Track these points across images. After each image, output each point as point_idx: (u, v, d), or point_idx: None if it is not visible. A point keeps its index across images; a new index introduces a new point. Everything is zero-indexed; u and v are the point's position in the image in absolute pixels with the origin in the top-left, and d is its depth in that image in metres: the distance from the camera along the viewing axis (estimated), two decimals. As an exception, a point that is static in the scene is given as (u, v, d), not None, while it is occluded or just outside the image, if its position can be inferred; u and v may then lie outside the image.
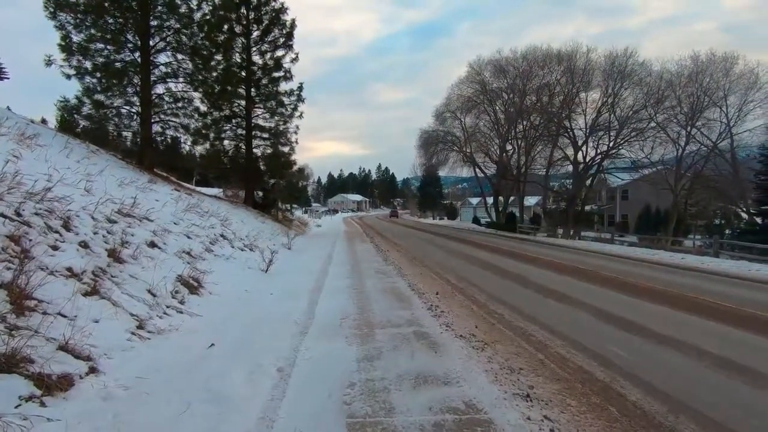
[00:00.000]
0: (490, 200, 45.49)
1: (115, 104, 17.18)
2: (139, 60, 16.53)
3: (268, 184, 23.03)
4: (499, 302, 6.77)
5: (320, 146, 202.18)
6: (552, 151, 33.41)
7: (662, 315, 5.99)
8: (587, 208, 36.86)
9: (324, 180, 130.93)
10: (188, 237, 8.19)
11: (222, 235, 9.89)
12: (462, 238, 22.68)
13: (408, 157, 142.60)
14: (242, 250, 9.94)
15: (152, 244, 6.62)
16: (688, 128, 24.58)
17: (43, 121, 18.65)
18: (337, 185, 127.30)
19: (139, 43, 16.44)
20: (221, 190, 26.41)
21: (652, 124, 25.81)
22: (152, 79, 17.26)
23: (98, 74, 15.97)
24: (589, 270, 10.37)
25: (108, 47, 16.05)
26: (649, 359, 4.26)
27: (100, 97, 16.47)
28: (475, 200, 72.96)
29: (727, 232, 35.63)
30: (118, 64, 16.22)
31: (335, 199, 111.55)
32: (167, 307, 5.15)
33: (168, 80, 17.91)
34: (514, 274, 9.62)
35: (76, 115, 16.01)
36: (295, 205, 52.96)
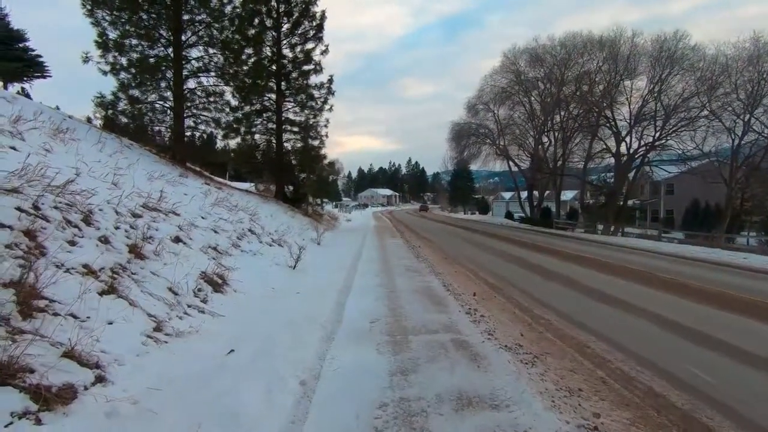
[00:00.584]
0: (523, 194, 44.04)
1: (149, 99, 17.45)
2: (171, 55, 16.68)
3: (299, 178, 22.90)
4: (544, 306, 6.16)
5: (350, 141, 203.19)
6: (591, 143, 31.76)
7: (745, 328, 5.22)
8: (629, 202, 34.92)
9: (354, 174, 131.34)
10: (215, 232, 7.98)
11: (250, 230, 9.67)
12: (496, 233, 21.84)
13: (438, 151, 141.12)
14: (270, 245, 9.69)
15: (177, 239, 6.40)
16: (746, 116, 22.58)
17: (89, 120, 19.15)
18: (367, 180, 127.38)
19: (171, 38, 16.58)
20: (253, 184, 26.61)
21: (704, 113, 23.92)
22: (184, 73, 17.35)
23: (133, 70, 16.16)
24: (641, 270, 9.50)
25: (142, 43, 16.25)
26: (743, 386, 3.58)
27: (135, 92, 16.73)
28: (507, 195, 71.10)
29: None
30: (152, 60, 16.37)
31: (365, 194, 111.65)
32: (188, 306, 4.87)
33: (200, 75, 17.97)
34: (557, 274, 8.90)
35: (110, 111, 16.28)
36: (325, 200, 53.23)
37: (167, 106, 17.48)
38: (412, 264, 9.89)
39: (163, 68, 16.89)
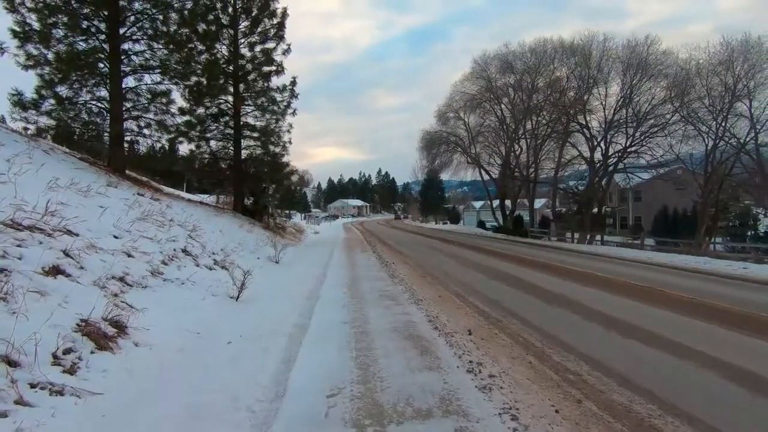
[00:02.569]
0: (495, 203, 43.42)
1: (82, 99, 15.21)
2: (107, 48, 14.57)
3: (259, 188, 20.90)
4: (565, 348, 4.63)
5: (320, 152, 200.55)
6: (561, 150, 31.32)
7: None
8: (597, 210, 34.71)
9: (324, 185, 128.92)
10: (128, 255, 6.07)
11: (184, 250, 7.77)
12: (472, 244, 20.53)
13: (408, 161, 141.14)
14: (210, 268, 7.81)
15: (54, 271, 4.50)
16: (719, 121, 22.43)
17: (2, 120, 16.57)
18: (337, 190, 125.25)
19: (107, 29, 14.49)
20: (215, 196, 24.31)
21: (676, 118, 23.70)
22: (125, 70, 15.26)
23: (62, 65, 13.90)
24: (648, 288, 8.22)
25: (71, 34, 14.08)
26: None
27: (64, 90, 14.49)
28: (478, 203, 70.95)
29: (749, 234, 33.47)
30: (83, 53, 14.19)
31: (335, 205, 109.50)
32: (33, 386, 3.03)
33: (142, 72, 15.87)
34: (559, 296, 7.47)
35: (32, 111, 13.91)
36: (293, 211, 50.88)
37: (103, 107, 15.30)
38: (387, 287, 8.23)
39: (99, 64, 14.75)
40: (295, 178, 30.61)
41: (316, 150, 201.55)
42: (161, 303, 5.32)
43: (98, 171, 12.39)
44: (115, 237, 6.46)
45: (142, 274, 5.76)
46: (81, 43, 14.55)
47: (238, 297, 6.60)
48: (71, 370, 3.40)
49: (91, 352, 3.71)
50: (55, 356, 3.41)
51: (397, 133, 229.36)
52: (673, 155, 25.63)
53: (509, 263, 12.51)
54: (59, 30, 13.93)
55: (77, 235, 5.72)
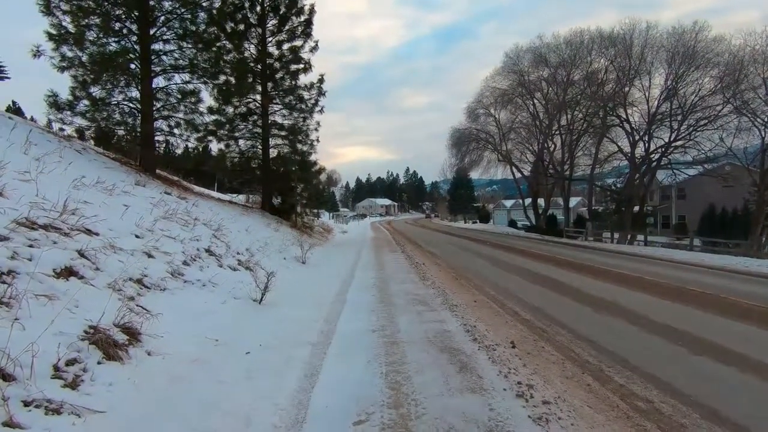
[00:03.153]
0: (526, 202, 42.08)
1: (115, 100, 15.44)
2: (138, 49, 14.72)
3: (287, 187, 20.77)
4: (626, 366, 4.00)
5: (347, 152, 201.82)
6: (599, 145, 29.83)
7: None
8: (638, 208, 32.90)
9: (352, 185, 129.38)
10: (149, 255, 5.83)
11: (208, 250, 7.52)
12: (505, 244, 19.70)
13: (435, 161, 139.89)
14: (234, 269, 7.53)
15: (67, 272, 4.25)
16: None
17: (48, 124, 17.05)
18: (365, 190, 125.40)
19: (138, 30, 14.63)
20: (245, 196, 24.43)
21: (727, 110, 22.00)
22: (155, 70, 15.39)
23: (93, 66, 14.11)
24: (712, 295, 7.37)
25: (103, 36, 14.28)
26: None
27: (97, 91, 14.73)
28: (509, 202, 69.29)
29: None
30: (115, 54, 14.35)
31: (363, 204, 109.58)
32: (27, 404, 2.71)
33: (172, 72, 15.96)
34: (609, 304, 6.75)
35: (68, 112, 14.19)
36: (321, 210, 51.07)
37: (134, 107, 15.49)
38: (418, 290, 7.72)
39: (130, 65, 14.93)
40: (323, 177, 30.51)
41: (343, 150, 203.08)
42: (179, 307, 5.02)
43: (129, 170, 12.45)
44: (137, 236, 6.24)
45: (161, 275, 5.48)
46: (113, 44, 14.76)
47: (261, 300, 6.26)
48: (73, 384, 3.07)
49: (98, 363, 3.39)
50: (56, 368, 3.09)
51: (424, 133, 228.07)
52: (723, 149, 23.90)
53: (547, 265, 11.74)
54: (92, 32, 14.16)
55: (96, 234, 5.51)
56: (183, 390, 3.32)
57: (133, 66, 14.86)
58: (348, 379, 3.58)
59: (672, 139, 25.04)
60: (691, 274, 10.22)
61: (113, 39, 14.72)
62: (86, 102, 14.56)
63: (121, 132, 15.71)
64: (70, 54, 13.88)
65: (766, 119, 21.03)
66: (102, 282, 4.51)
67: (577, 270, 10.69)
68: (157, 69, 15.43)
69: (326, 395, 3.27)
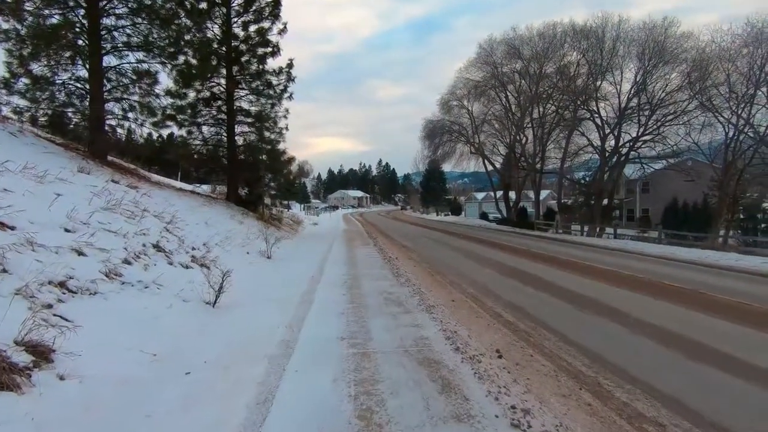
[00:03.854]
0: (498, 194, 42.32)
1: (59, 80, 14.02)
2: (85, 23, 13.39)
3: (254, 177, 19.74)
4: (624, 377, 3.57)
5: (320, 142, 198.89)
6: (569, 139, 30.09)
7: None
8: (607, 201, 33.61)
9: (324, 176, 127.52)
10: (79, 253, 4.99)
11: (156, 245, 6.67)
12: (479, 237, 19.45)
13: (408, 153, 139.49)
14: (187, 267, 6.72)
15: (-43, 277, 3.42)
16: (740, 109, 21.13)
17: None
18: (337, 181, 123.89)
19: (85, 2, 13.29)
20: (211, 186, 23.12)
21: (693, 105, 22.43)
22: (106, 47, 14.06)
23: (34, 40, 12.70)
24: (691, 291, 7.16)
25: (43, 7, 12.86)
26: None
27: (38, 68, 13.31)
28: (480, 195, 69.89)
29: (761, 226, 32.33)
30: (58, 27, 12.96)
31: (335, 195, 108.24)
32: None
33: (126, 50, 14.66)
34: (591, 301, 6.40)
35: (3, 91, 12.74)
36: (292, 202, 49.70)
37: (82, 87, 14.14)
38: (392, 288, 7.15)
39: (77, 39, 13.58)
40: (294, 167, 29.46)
41: (316, 140, 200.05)
42: (112, 314, 4.25)
43: (74, 157, 11.26)
44: (67, 230, 5.37)
45: (92, 276, 4.67)
46: (56, 16, 13.35)
47: (215, 303, 5.53)
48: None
49: (-18, 397, 2.64)
50: None
51: (397, 125, 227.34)
52: (688, 144, 24.48)
53: (522, 258, 11.44)
54: (31, 1, 12.73)
55: (12, 228, 4.64)
56: (96, 429, 2.62)
57: (81, 42, 13.55)
58: (309, 406, 2.96)
59: (640, 133, 25.44)
60: (663, 267, 10.11)
61: (56, 11, 13.31)
62: (25, 80, 13.16)
63: (69, 115, 14.34)
64: (5, 25, 12.46)
65: (729, 116, 21.54)
66: (8, 287, 3.69)
67: (551, 264, 10.41)
68: (108, 46, 14.14)
69: (281, 430, 2.63)
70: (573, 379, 3.56)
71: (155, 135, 18.60)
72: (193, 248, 7.77)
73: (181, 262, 6.75)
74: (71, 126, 15.46)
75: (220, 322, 4.92)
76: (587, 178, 31.71)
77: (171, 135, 19.30)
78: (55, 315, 3.77)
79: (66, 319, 3.81)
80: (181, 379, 3.35)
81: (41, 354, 3.23)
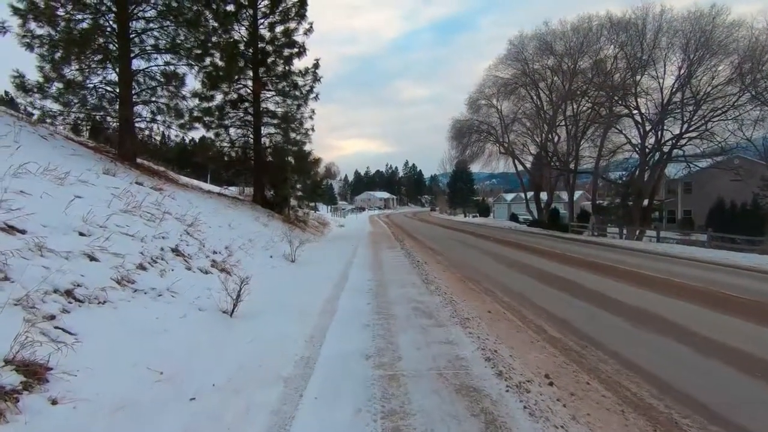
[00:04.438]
0: (528, 195, 40.99)
1: (92, 83, 14.26)
2: (115, 27, 13.54)
3: (280, 178, 19.62)
4: (709, 416, 2.93)
5: (346, 144, 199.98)
6: (604, 137, 28.68)
7: None
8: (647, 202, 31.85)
9: (351, 178, 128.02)
10: (91, 258, 4.72)
11: (175, 249, 6.41)
12: (510, 240, 18.63)
13: (434, 154, 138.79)
14: (206, 272, 6.43)
15: (-50, 287, 3.15)
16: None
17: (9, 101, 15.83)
18: (363, 182, 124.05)
19: (115, 7, 13.43)
20: (240, 188, 23.24)
21: (744, 98, 20.81)
22: (135, 51, 14.20)
23: (66, 45, 12.89)
24: None
25: (75, 12, 13.05)
26: None
27: (71, 72, 13.54)
28: (509, 196, 68.19)
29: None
30: (88, 32, 13.12)
31: (362, 197, 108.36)
32: None
33: (154, 53, 14.74)
34: (647, 315, 5.68)
35: (37, 95, 12.99)
36: (319, 203, 49.83)
37: (112, 90, 14.31)
38: (422, 297, 6.64)
39: (110, 46, 13.78)
40: (321, 169, 29.32)
41: (342, 142, 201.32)
42: (120, 326, 3.93)
43: (103, 159, 11.28)
44: (81, 234, 5.13)
45: (102, 284, 4.38)
46: (88, 20, 13.53)
47: (232, 312, 5.17)
48: None
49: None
50: None
51: (423, 125, 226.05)
52: (737, 141, 22.78)
53: (559, 264, 10.67)
54: (64, 7, 12.95)
55: (22, 232, 4.41)
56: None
57: (111, 47, 13.71)
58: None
59: (684, 130, 23.91)
60: (725, 276, 9.16)
61: (87, 15, 13.49)
62: (58, 84, 13.40)
63: (98, 118, 14.55)
64: (39, 31, 12.71)
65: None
66: (7, 297, 3.41)
67: (593, 270, 9.62)
68: (136, 50, 14.25)
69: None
70: (643, 417, 2.96)
71: (184, 137, 18.70)
72: (215, 252, 7.50)
73: (200, 267, 6.46)
74: (104, 129, 15.74)
75: (236, 334, 4.54)
76: (624, 178, 30.19)
77: (202, 138, 19.35)
78: (56, 327, 3.47)
79: (69, 332, 3.50)
80: (185, 406, 2.95)
81: (34, 374, 2.90)
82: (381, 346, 4.28)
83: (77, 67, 13.47)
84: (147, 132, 16.99)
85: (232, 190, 22.58)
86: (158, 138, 19.18)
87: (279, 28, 19.22)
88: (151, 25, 14.36)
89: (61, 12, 12.83)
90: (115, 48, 13.58)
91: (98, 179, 8.01)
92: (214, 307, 5.18)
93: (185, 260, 6.33)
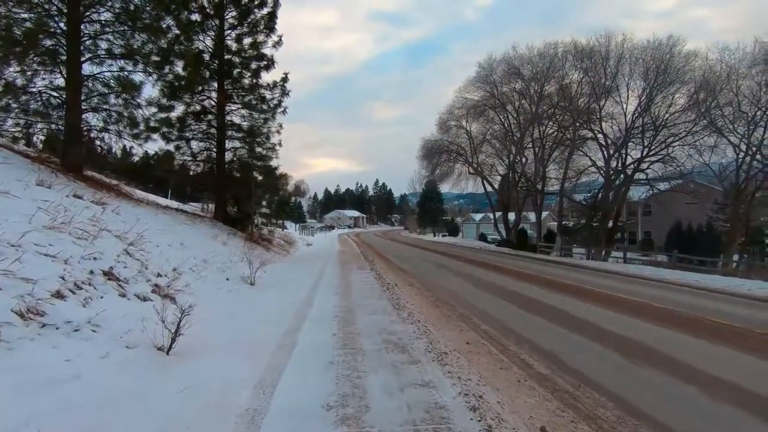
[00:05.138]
0: (497, 215, 41.36)
1: (37, 87, 13.10)
2: (63, 27, 12.56)
3: (243, 193, 18.66)
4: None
5: (317, 163, 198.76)
6: (568, 159, 29.38)
7: None
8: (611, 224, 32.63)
9: (320, 196, 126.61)
10: (-11, 286, 3.82)
11: (108, 272, 5.49)
12: (481, 261, 18.32)
13: (405, 173, 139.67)
14: (144, 299, 5.54)
15: None
16: (749, 130, 20.47)
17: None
18: (333, 201, 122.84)
19: (65, 8, 12.50)
20: (202, 204, 21.90)
21: (700, 126, 21.74)
22: (87, 55, 13.20)
23: (5, 44, 11.77)
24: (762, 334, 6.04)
25: (20, 8, 12.01)
26: None
27: (9, 74, 12.41)
28: (478, 216, 68.96)
29: (768, 250, 31.40)
30: (31, 31, 12.06)
31: (331, 215, 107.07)
32: None
33: (108, 58, 13.73)
34: (640, 347, 5.25)
35: (-30, 98, 11.74)
36: (286, 221, 48.48)
37: (58, 96, 13.19)
38: (393, 326, 5.97)
39: (55, 46, 12.75)
40: (291, 186, 28.47)
41: (313, 160, 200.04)
42: (9, 374, 3.07)
43: (42, 170, 10.13)
44: (-17, 256, 4.22)
45: (-3, 318, 3.50)
46: (34, 20, 12.47)
47: (169, 349, 4.33)
48: None
49: None
50: None
51: (394, 145, 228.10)
52: (695, 165, 23.75)
53: (537, 287, 10.29)
54: (8, 3, 11.89)
55: None
56: None
57: (60, 49, 12.68)
58: None
59: (644, 154, 24.73)
60: (701, 299, 9.00)
61: (33, 14, 12.45)
62: (-1, 87, 12.21)
63: (40, 125, 13.34)
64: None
65: (740, 136, 20.86)
66: None
67: (570, 293, 9.27)
68: (88, 55, 13.24)
69: None
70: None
71: (140, 149, 17.54)
72: (159, 275, 6.59)
73: (138, 293, 5.56)
74: (49, 138, 14.50)
75: (168, 379, 3.72)
76: (588, 200, 30.89)
77: (167, 152, 18.14)
78: None
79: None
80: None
81: None
82: (346, 392, 3.58)
83: (18, 68, 12.37)
84: (98, 142, 15.80)
85: (194, 207, 21.36)
86: (119, 151, 17.93)
87: (247, 40, 18.58)
88: (106, 28, 13.44)
89: (1, 10, 11.78)
90: (63, 50, 12.56)
91: (26, 191, 7.02)
92: (148, 343, 4.32)
93: (119, 285, 5.43)
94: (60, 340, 3.76)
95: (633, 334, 5.77)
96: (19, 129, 13.64)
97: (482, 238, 49.63)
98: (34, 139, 16.86)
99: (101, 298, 4.90)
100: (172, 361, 4.19)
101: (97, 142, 15.29)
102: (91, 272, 5.26)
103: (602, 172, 25.96)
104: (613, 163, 25.29)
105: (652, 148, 24.42)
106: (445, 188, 53.95)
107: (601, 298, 8.75)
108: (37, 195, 7.08)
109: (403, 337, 5.34)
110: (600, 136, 25.41)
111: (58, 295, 4.39)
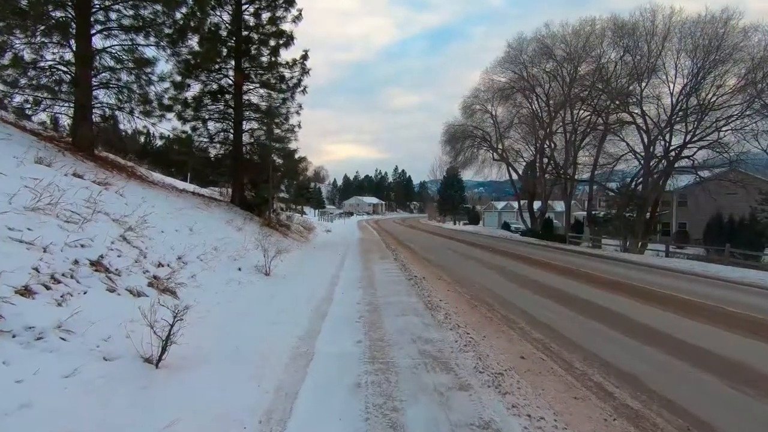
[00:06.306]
0: (521, 203, 39.79)
1: (46, 62, 12.46)
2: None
3: (261, 177, 17.90)
4: None
5: (336, 149, 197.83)
6: (600, 144, 27.65)
7: None
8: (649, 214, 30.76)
9: (339, 182, 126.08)
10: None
11: (96, 262, 4.69)
12: (510, 251, 17.18)
13: (423, 161, 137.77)
14: (138, 294, 4.72)
15: None
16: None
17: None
18: (352, 187, 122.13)
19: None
20: (221, 188, 21.31)
21: (756, 106, 19.80)
22: (97, 28, 12.47)
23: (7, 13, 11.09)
24: None
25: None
26: None
27: (22, 49, 11.79)
28: (500, 204, 67.17)
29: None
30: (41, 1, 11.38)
31: (350, 202, 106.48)
32: None
33: (120, 31, 12.96)
34: (740, 366, 4.18)
35: (-25, 73, 11.15)
36: (307, 207, 47.97)
37: (68, 72, 12.53)
38: (428, 333, 5.00)
39: (62, 17, 12.04)
40: (310, 172, 27.76)
41: (333, 147, 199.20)
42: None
43: (46, 147, 9.46)
44: (-67, 241, 3.42)
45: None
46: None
47: (159, 360, 3.49)
48: None
49: None
50: None
51: (413, 132, 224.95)
52: (738, 153, 21.78)
53: (578, 283, 9.17)
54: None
55: None
56: None
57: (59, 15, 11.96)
58: None
59: (688, 139, 22.87)
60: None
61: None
62: (3, 61, 11.61)
63: (47, 101, 12.71)
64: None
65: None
66: None
67: (630, 295, 8.12)
68: (98, 27, 12.50)
69: None
70: None
71: (155, 129, 16.88)
72: (160, 264, 5.79)
73: (130, 287, 4.75)
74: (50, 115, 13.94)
75: (151, 408, 2.87)
76: (621, 188, 29.15)
77: (184, 133, 17.47)
78: None
79: None
80: None
81: None
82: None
83: (25, 41, 11.72)
84: (112, 121, 15.19)
85: (213, 191, 20.77)
86: (136, 132, 17.35)
87: (265, 15, 17.60)
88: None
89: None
90: (74, 23, 11.85)
91: (17, 168, 6.29)
92: (133, 353, 3.49)
93: (108, 277, 4.62)
94: (13, 352, 2.94)
95: (739, 356, 4.63)
96: (30, 106, 13.09)
97: (505, 226, 48.08)
98: (44, 116, 16.42)
99: (84, 293, 4.09)
100: (160, 377, 3.34)
101: (111, 122, 14.68)
102: (76, 262, 4.46)
103: (641, 158, 24.17)
104: (656, 149, 23.46)
105: (697, 132, 22.54)
106: (467, 175, 52.21)
107: (669, 302, 7.55)
108: (30, 173, 6.34)
109: (443, 348, 4.39)
110: (639, 120, 23.55)
111: (26, 291, 3.58)
